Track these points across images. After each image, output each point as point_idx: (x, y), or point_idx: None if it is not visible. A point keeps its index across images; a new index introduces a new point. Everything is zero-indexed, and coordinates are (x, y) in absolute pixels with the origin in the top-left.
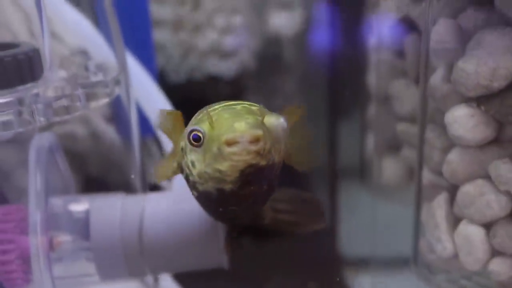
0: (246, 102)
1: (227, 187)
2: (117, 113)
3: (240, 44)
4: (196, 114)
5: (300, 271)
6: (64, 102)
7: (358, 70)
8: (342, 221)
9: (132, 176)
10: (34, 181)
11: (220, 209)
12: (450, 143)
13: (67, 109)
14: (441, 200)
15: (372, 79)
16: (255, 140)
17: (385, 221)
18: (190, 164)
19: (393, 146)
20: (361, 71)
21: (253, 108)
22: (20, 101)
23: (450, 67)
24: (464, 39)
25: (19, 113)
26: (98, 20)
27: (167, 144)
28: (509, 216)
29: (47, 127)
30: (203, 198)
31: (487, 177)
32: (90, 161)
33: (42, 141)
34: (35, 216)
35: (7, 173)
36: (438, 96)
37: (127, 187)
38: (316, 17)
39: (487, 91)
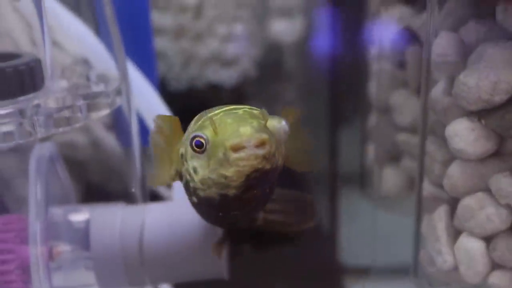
0: (246, 106)
1: (231, 192)
2: (117, 122)
3: (241, 52)
4: (196, 119)
5: (301, 280)
6: (65, 113)
7: (359, 79)
8: (343, 230)
9: (133, 190)
10: (34, 191)
11: (221, 214)
12: (451, 156)
13: (68, 120)
14: (441, 212)
15: (373, 88)
16: (261, 144)
17: (385, 231)
18: (191, 171)
19: (394, 156)
20: (362, 80)
21: (255, 112)
22: (21, 112)
23: (451, 80)
24: (465, 52)
25: (20, 124)
26: (99, 28)
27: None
28: (510, 230)
29: (48, 137)
30: (204, 204)
31: (488, 190)
32: (91, 169)
33: (42, 151)
34: (35, 226)
35: (8, 182)
36: (439, 109)
37: (127, 196)
38: (317, 25)
39: (488, 105)
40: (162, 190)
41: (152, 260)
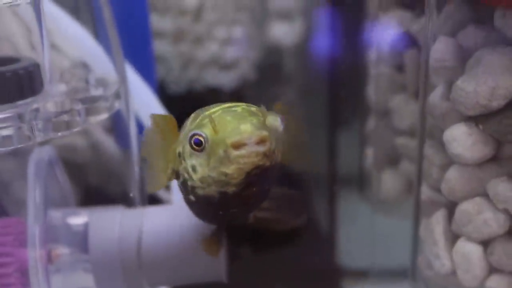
0: (243, 104)
1: (230, 189)
2: (116, 125)
3: (241, 55)
4: (192, 118)
5: (300, 282)
6: (64, 117)
7: (359, 82)
8: (341, 232)
9: (131, 195)
10: (33, 195)
11: (220, 212)
12: (449, 160)
13: (66, 124)
14: (439, 216)
15: (371, 92)
16: (262, 141)
17: (384, 234)
18: (190, 169)
19: (393, 160)
20: (361, 83)
21: (253, 109)
22: (20, 117)
23: (450, 85)
24: (464, 57)
25: (19, 129)
26: (97, 31)
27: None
28: (507, 234)
29: (47, 140)
30: (203, 203)
31: (485, 195)
32: (90, 172)
33: (41, 154)
34: (34, 229)
35: (7, 185)
36: (437, 114)
37: (126, 199)
38: (316, 28)
39: (486, 110)
40: (161, 192)
41: (150, 263)
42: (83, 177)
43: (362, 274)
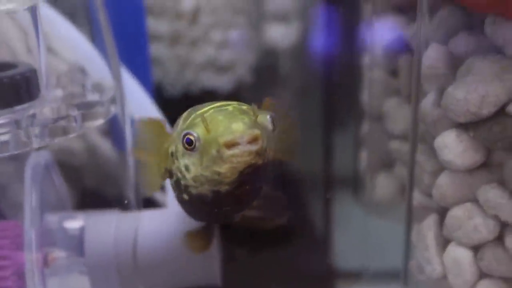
0: (235, 102)
1: (223, 188)
2: (113, 128)
3: (237, 58)
4: (184, 117)
5: (294, 284)
6: (60, 123)
7: (354, 85)
8: (335, 235)
9: (126, 201)
10: (30, 199)
11: (213, 211)
12: (440, 167)
13: (63, 130)
14: (431, 222)
15: (365, 95)
16: (254, 140)
17: (377, 236)
18: (183, 169)
19: (386, 163)
20: (357, 86)
21: (244, 107)
22: (16, 122)
23: (441, 92)
24: (455, 64)
25: (16, 135)
26: (93, 34)
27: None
28: (497, 240)
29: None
30: (196, 202)
31: (476, 201)
32: (86, 175)
33: (38, 159)
34: (30, 233)
35: (4, 188)
36: (428, 121)
37: (122, 202)
38: (312, 31)
39: (476, 118)
40: (156, 195)
41: (146, 266)
42: (79, 180)
43: (355, 276)
